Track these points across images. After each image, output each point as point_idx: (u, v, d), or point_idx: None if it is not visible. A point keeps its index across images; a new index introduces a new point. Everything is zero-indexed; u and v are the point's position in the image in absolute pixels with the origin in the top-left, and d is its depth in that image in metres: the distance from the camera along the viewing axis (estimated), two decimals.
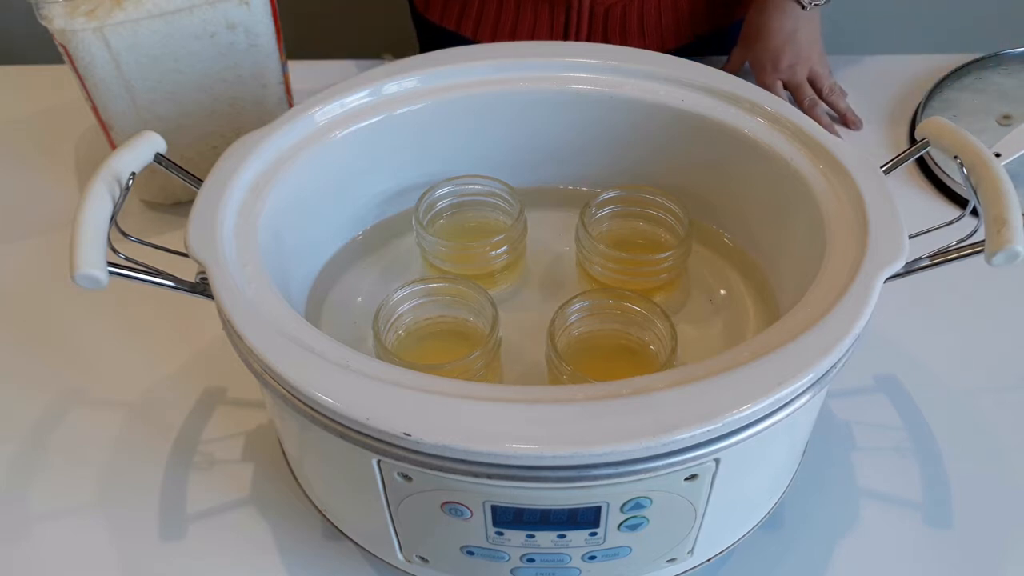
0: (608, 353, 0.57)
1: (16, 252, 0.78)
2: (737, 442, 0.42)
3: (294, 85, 0.80)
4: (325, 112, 0.59)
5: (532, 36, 0.87)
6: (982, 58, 0.90)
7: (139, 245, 0.51)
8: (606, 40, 0.88)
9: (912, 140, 0.86)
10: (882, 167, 0.54)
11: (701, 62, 0.62)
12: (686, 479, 0.44)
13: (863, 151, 0.55)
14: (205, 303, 0.49)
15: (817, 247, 0.51)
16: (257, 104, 0.76)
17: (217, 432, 0.64)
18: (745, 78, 0.62)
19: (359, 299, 0.63)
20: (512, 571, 0.49)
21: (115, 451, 0.63)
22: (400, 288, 0.57)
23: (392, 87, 0.61)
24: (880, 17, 1.43)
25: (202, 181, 0.53)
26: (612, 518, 0.45)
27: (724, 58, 0.91)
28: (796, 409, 0.43)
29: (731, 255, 0.64)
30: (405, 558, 0.51)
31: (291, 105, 0.79)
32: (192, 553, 0.58)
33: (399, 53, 0.68)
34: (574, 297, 0.57)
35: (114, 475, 0.62)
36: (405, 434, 0.40)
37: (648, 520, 0.46)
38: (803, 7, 0.78)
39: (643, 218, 0.61)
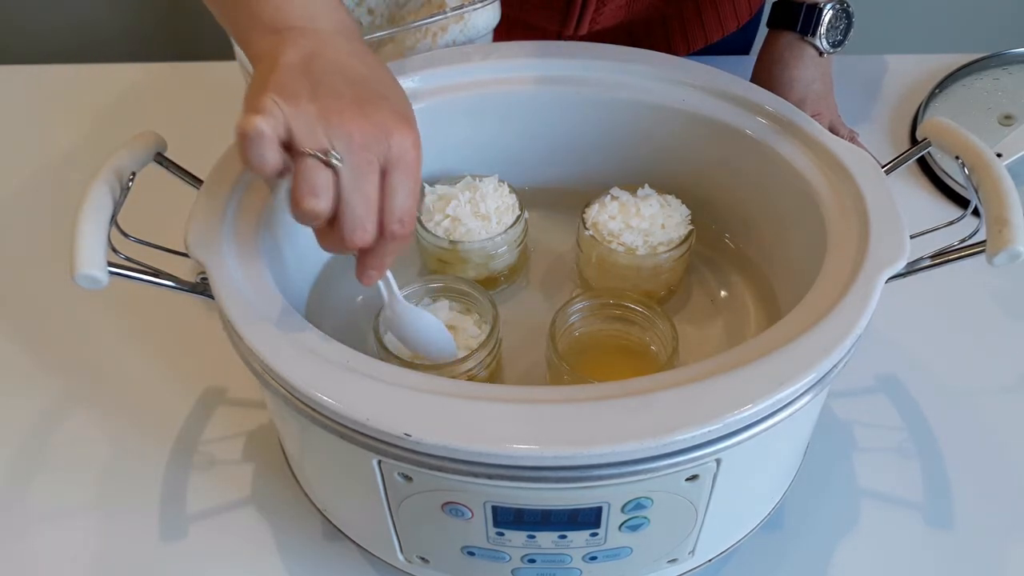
0: (609, 353, 0.57)
1: (17, 252, 0.78)
2: (738, 442, 0.42)
3: None
4: None
5: None
6: (983, 58, 0.90)
7: (139, 245, 0.51)
8: None
9: (913, 140, 0.86)
10: (883, 167, 0.54)
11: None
12: (687, 479, 0.44)
13: (864, 151, 0.55)
14: (205, 303, 0.49)
15: (818, 247, 0.51)
16: None
17: (217, 432, 0.64)
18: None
19: (359, 299, 0.63)
20: (513, 571, 0.49)
21: (115, 451, 0.63)
22: (401, 288, 0.57)
23: None
24: (880, 17, 1.43)
25: (202, 181, 0.53)
26: (613, 518, 0.45)
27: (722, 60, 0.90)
28: (797, 409, 0.43)
29: (732, 255, 0.64)
30: (406, 558, 0.51)
31: None
32: (192, 553, 0.58)
33: None
34: (574, 297, 0.57)
35: (114, 475, 0.62)
36: (405, 434, 0.40)
37: (649, 520, 0.46)
38: (820, 53, 0.77)
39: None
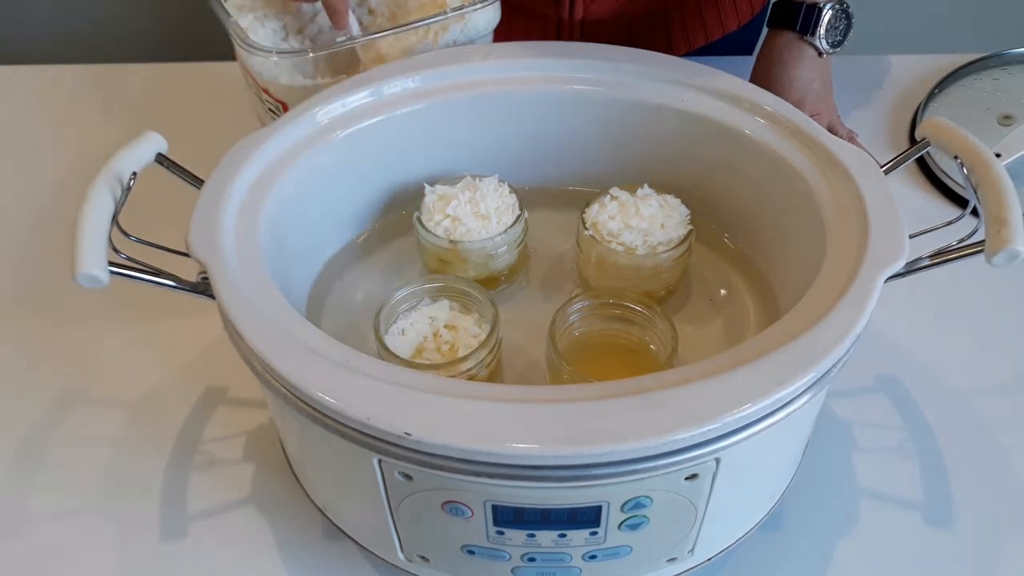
0: (608, 353, 0.57)
1: (17, 252, 0.78)
2: (737, 442, 0.42)
3: None
4: (326, 112, 0.59)
5: None
6: (982, 58, 0.90)
7: (140, 245, 0.51)
8: None
9: (912, 140, 0.86)
10: (882, 167, 0.54)
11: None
12: (686, 479, 0.44)
13: (863, 151, 0.55)
14: (206, 303, 0.49)
15: (817, 247, 0.51)
16: None
17: (217, 432, 0.64)
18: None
19: (359, 299, 0.63)
20: (513, 570, 0.49)
21: (115, 451, 0.63)
22: (401, 288, 0.57)
23: (393, 87, 0.61)
24: (880, 17, 1.42)
25: (203, 181, 0.54)
26: (613, 517, 0.45)
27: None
28: (796, 409, 0.43)
29: (732, 255, 0.64)
30: (406, 557, 0.51)
31: None
32: (192, 553, 0.58)
33: None
34: (574, 297, 0.57)
35: (114, 475, 0.62)
36: (406, 433, 0.40)
37: (648, 519, 0.46)
38: (820, 53, 0.77)
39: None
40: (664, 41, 0.88)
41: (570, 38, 0.86)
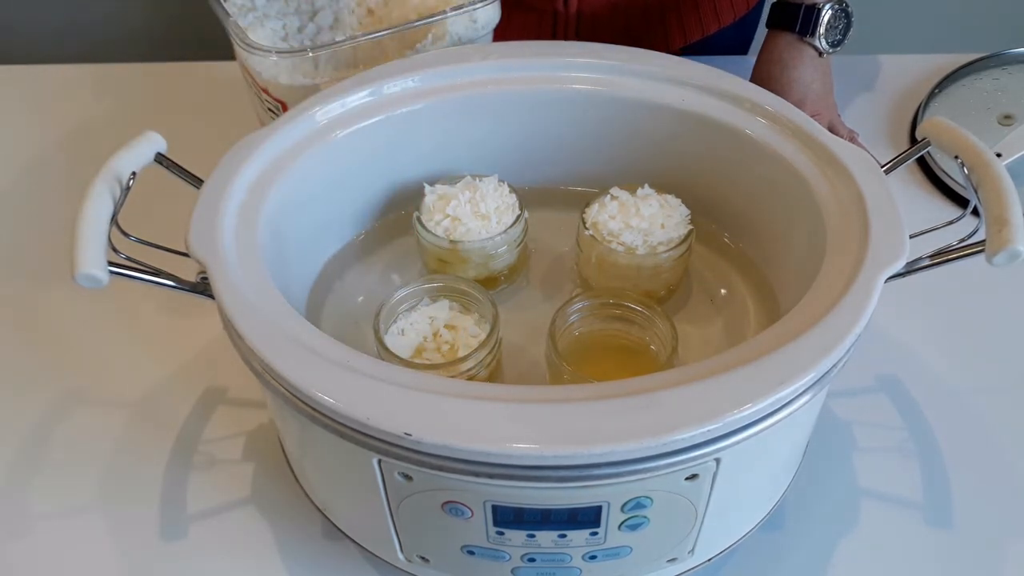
0: (608, 353, 0.57)
1: (16, 251, 0.78)
2: (738, 442, 0.42)
3: None
4: (326, 112, 0.59)
5: None
6: (983, 58, 0.90)
7: (140, 245, 0.51)
8: None
9: (913, 140, 0.86)
10: (883, 167, 0.54)
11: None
12: (687, 479, 0.44)
13: (864, 151, 0.55)
14: (205, 303, 0.49)
15: (818, 247, 0.51)
16: None
17: (217, 432, 0.64)
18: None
19: (360, 299, 0.63)
20: (513, 571, 0.49)
21: (115, 451, 0.63)
22: (401, 288, 0.57)
23: (392, 87, 0.61)
24: (880, 17, 1.43)
25: (203, 181, 0.54)
26: (613, 518, 0.45)
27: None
28: (797, 409, 0.43)
29: (732, 255, 0.64)
30: (406, 558, 0.51)
31: None
32: (192, 553, 0.58)
33: None
34: (574, 297, 0.57)
35: (114, 475, 0.62)
36: (406, 434, 0.40)
37: (649, 520, 0.46)
38: (820, 54, 0.77)
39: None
40: (660, 35, 0.88)
41: (565, 31, 0.86)
